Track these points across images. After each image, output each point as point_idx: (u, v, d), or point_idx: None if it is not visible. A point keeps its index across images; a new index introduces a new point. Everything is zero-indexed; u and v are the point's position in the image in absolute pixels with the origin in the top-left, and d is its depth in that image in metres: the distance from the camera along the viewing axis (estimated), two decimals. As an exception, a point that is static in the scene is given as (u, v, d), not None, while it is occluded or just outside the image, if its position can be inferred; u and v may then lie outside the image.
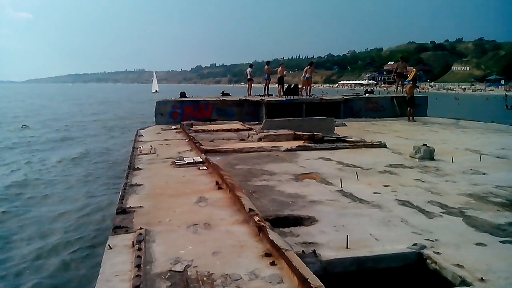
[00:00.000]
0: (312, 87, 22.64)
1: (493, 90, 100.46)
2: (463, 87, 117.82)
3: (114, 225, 4.26)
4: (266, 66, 23.97)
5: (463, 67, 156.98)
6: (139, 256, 3.37)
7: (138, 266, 3.19)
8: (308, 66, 22.56)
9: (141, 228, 4.07)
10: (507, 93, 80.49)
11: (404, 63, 22.39)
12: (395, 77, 22.37)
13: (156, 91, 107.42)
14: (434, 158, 8.09)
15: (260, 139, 10.44)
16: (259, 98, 18.75)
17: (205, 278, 3.05)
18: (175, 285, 2.98)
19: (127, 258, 3.42)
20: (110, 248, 3.65)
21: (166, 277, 3.11)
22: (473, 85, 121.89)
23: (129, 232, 4.05)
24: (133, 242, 3.71)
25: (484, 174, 6.87)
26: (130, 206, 4.93)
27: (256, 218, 4.01)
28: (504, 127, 13.84)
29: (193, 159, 7.77)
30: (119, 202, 5.14)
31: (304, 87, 21.99)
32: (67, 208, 12.59)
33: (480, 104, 62.04)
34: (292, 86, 22.99)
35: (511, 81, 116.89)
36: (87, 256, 9.06)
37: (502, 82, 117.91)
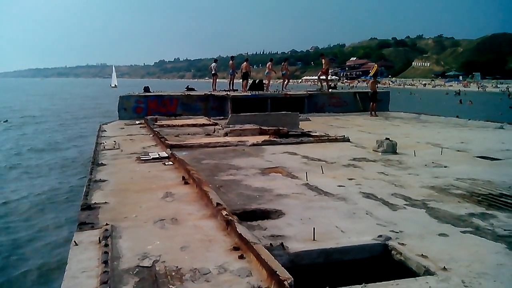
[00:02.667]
0: (273, 83, 22.97)
1: (452, 85, 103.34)
2: (423, 82, 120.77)
3: (79, 221, 4.19)
4: (230, 61, 23.98)
5: (423, 63, 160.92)
6: (106, 252, 3.33)
7: (105, 262, 3.15)
8: (283, 63, 22.83)
9: (107, 224, 4.01)
10: (460, 89, 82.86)
11: (326, 60, 22.46)
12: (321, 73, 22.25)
13: (115, 85, 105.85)
14: (397, 151, 8.27)
15: (226, 134, 10.42)
16: (224, 93, 18.73)
17: (173, 273, 3.03)
18: (143, 280, 2.96)
19: (94, 254, 3.37)
20: (76, 244, 3.59)
21: (134, 272, 3.07)
22: (433, 80, 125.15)
23: (95, 228, 3.99)
24: (99, 238, 3.66)
25: (445, 167, 7.07)
26: (95, 202, 4.85)
27: (224, 212, 4.01)
28: (463, 121, 14.27)
29: (159, 154, 7.70)
30: (84, 198, 5.06)
31: (269, 83, 22.25)
32: (27, 202, 12.30)
33: (441, 99, 63.74)
34: (257, 81, 23.08)
35: (468, 77, 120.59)
36: (52, 253, 8.87)
37: (461, 78, 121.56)
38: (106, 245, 3.48)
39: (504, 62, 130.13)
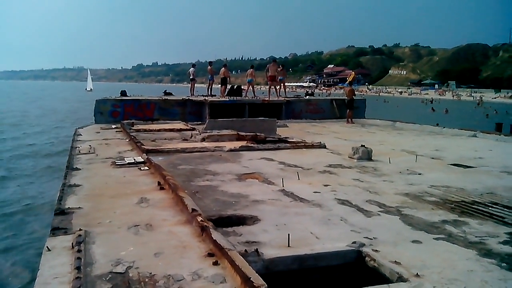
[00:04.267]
0: (258, 89, 22.70)
1: (428, 93, 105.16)
2: (399, 90, 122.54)
3: (53, 226, 4.13)
4: (209, 67, 23.93)
5: (400, 71, 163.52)
6: (79, 258, 3.28)
7: (78, 268, 3.10)
8: (280, 69, 22.80)
9: (80, 230, 3.95)
10: (433, 97, 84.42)
11: (275, 65, 21.77)
12: (267, 80, 21.58)
13: (91, 89, 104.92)
14: (372, 158, 8.36)
15: (203, 139, 10.39)
16: (202, 98, 18.69)
17: (147, 279, 3.00)
18: (117, 286, 2.92)
19: (67, 260, 3.32)
20: (49, 250, 3.53)
21: (107, 278, 3.04)
22: (409, 88, 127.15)
23: (68, 233, 3.93)
24: (72, 243, 3.61)
25: (419, 174, 7.17)
26: (68, 207, 4.78)
27: (199, 218, 3.99)
28: (438, 129, 14.50)
29: (134, 159, 7.63)
30: (57, 203, 4.98)
31: (248, 89, 22.15)
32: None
33: (417, 106, 64.87)
34: (235, 86, 23.09)
35: (444, 85, 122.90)
36: (24, 259, 8.69)
37: (436, 86, 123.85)
38: (79, 251, 3.43)
39: (478, 72, 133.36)
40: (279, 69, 22.36)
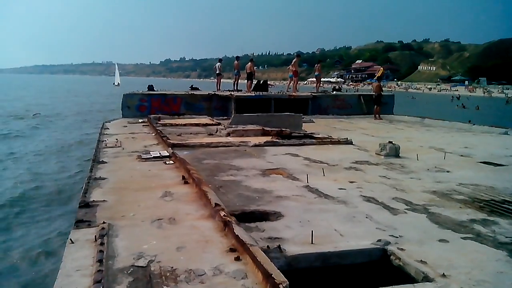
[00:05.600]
0: (280, 84, 22.99)
1: (457, 90, 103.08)
2: (429, 86, 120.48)
3: (77, 219, 4.16)
4: (235, 62, 23.91)
5: (429, 67, 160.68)
6: (101, 251, 3.30)
7: (100, 261, 3.12)
8: (317, 64, 22.80)
9: (104, 223, 3.98)
10: (460, 94, 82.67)
11: (298, 59, 22.23)
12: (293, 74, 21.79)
13: (118, 84, 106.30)
14: (400, 155, 8.21)
15: (228, 134, 10.39)
16: (228, 93, 18.69)
17: (168, 274, 3.00)
18: (137, 280, 2.93)
19: (89, 252, 3.34)
20: (72, 242, 3.56)
21: (129, 272, 3.04)
22: (438, 84, 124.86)
23: (92, 226, 3.96)
24: (95, 236, 3.63)
25: (448, 172, 7.01)
26: (93, 200, 4.82)
27: (222, 213, 3.97)
28: (467, 126, 14.19)
29: (160, 153, 7.67)
30: (82, 195, 5.03)
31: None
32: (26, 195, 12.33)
33: (446, 103, 63.74)
34: (261, 81, 23.03)
35: (474, 82, 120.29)
36: (49, 251, 8.85)
37: (466, 82, 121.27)
38: (101, 244, 3.45)
39: (511, 68, 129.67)
40: (317, 65, 22.64)
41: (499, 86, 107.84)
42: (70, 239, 3.61)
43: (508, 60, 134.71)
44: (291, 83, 22.58)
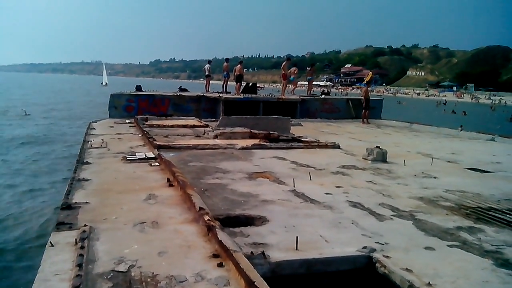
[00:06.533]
0: (288, 87, 22.85)
1: (445, 95, 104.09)
2: (417, 91, 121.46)
3: (58, 221, 4.07)
4: (225, 63, 23.91)
5: (418, 72, 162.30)
6: (81, 255, 3.22)
7: (79, 265, 3.04)
8: (309, 68, 22.78)
9: (85, 225, 3.90)
10: (447, 100, 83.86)
11: (288, 63, 22.03)
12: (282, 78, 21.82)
13: (106, 83, 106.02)
14: (387, 160, 8.20)
15: (216, 136, 10.33)
16: (216, 95, 18.64)
17: (149, 279, 2.93)
18: (117, 286, 2.85)
19: (69, 256, 3.26)
20: (52, 245, 3.47)
21: (108, 277, 2.97)
22: (427, 90, 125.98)
23: (73, 229, 3.87)
24: (76, 239, 3.54)
25: (435, 177, 6.99)
26: (75, 202, 4.72)
27: (206, 217, 3.91)
28: (454, 132, 14.25)
29: (145, 155, 7.58)
30: (65, 197, 4.93)
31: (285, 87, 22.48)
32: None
33: (432, 109, 64.41)
34: (250, 84, 23.02)
35: (462, 88, 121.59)
36: (28, 254, 8.70)
37: (454, 88, 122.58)
38: (82, 247, 3.37)
39: (498, 75, 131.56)
40: (308, 69, 22.65)
41: (487, 93, 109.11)
42: (50, 242, 3.52)
43: (495, 67, 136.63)
44: (292, 87, 22.98)
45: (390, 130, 14.90)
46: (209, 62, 25.24)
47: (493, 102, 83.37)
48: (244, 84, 22.33)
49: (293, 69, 22.64)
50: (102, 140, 9.52)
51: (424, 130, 15.01)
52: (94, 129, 12.01)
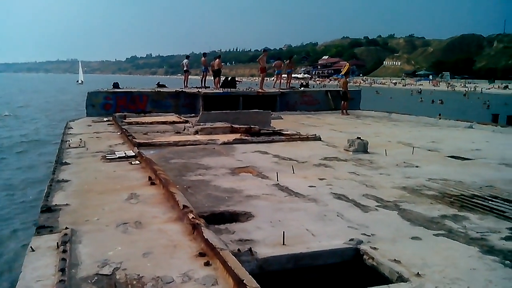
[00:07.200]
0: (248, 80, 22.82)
1: (422, 84, 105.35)
2: (394, 81, 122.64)
3: (38, 224, 3.97)
4: (203, 58, 23.72)
5: (394, 62, 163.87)
6: (63, 259, 3.13)
7: (62, 270, 2.95)
8: (287, 61, 22.72)
9: (66, 228, 3.80)
10: (421, 88, 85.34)
11: (265, 55, 21.87)
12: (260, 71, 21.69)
13: (82, 82, 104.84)
14: (368, 151, 8.22)
15: (196, 132, 10.24)
16: (195, 90, 18.50)
17: (134, 282, 2.86)
18: None
19: (51, 261, 3.17)
20: (33, 250, 3.38)
21: (93, 281, 2.89)
22: (403, 79, 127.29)
23: (54, 232, 3.77)
24: (57, 243, 3.45)
25: (417, 167, 7.03)
26: (55, 204, 4.61)
27: (191, 216, 3.84)
28: (433, 120, 14.39)
29: (125, 153, 7.46)
30: (44, 199, 4.81)
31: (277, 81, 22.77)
32: None
33: (409, 98, 65.27)
34: (229, 78, 22.91)
35: (438, 76, 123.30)
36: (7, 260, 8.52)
37: (430, 77, 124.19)
38: (64, 251, 3.28)
39: (472, 63, 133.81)
40: (286, 61, 22.61)
41: (462, 80, 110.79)
42: (31, 247, 3.42)
43: (469, 55, 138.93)
44: (277, 81, 22.96)
45: (370, 120, 14.98)
46: (187, 57, 25.08)
47: (466, 90, 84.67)
48: (223, 78, 22.21)
49: (277, 62, 22.66)
50: (80, 139, 9.36)
51: (403, 119, 15.13)
52: (72, 128, 11.81)
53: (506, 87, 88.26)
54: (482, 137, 10.57)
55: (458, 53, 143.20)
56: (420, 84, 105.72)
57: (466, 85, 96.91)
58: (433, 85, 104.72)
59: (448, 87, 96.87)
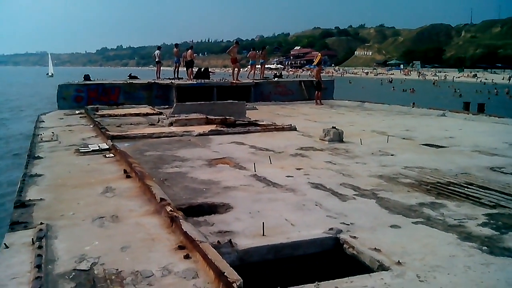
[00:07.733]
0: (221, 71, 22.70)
1: (393, 74, 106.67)
2: (365, 71, 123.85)
3: (12, 220, 3.88)
4: (175, 49, 23.47)
5: (366, 52, 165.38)
6: (39, 255, 3.06)
7: (38, 267, 2.89)
8: (261, 51, 22.62)
9: (41, 223, 3.72)
10: (393, 78, 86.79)
11: (237, 46, 22.09)
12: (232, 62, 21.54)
13: (52, 74, 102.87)
14: (343, 140, 8.28)
15: (171, 124, 10.14)
16: (168, 81, 18.35)
17: (113, 277, 2.81)
18: (80, 285, 2.73)
19: (26, 257, 3.10)
20: (7, 247, 3.30)
21: (70, 277, 2.83)
22: (375, 69, 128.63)
23: (28, 228, 3.69)
24: (32, 239, 3.38)
25: (392, 155, 7.11)
26: (29, 199, 4.52)
27: (168, 208, 3.80)
28: (406, 109, 14.57)
29: (99, 146, 7.33)
30: (17, 194, 4.71)
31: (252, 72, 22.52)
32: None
33: (381, 87, 66.13)
34: (202, 69, 22.74)
35: (409, 65, 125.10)
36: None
37: (402, 66, 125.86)
38: (40, 247, 3.21)
39: (442, 52, 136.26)
40: (260, 52, 22.54)
41: (432, 69, 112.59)
42: (4, 244, 3.34)
43: (439, 44, 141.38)
44: (252, 71, 22.84)
45: (343, 110, 15.09)
46: (159, 48, 24.77)
47: (435, 78, 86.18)
48: (196, 69, 22.04)
49: (252, 53, 22.72)
50: (53, 132, 9.19)
51: (376, 108, 15.28)
52: (44, 121, 11.59)
53: (475, 75, 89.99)
54: (455, 125, 10.75)
55: (427, 43, 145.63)
56: (391, 74, 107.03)
57: (437, 74, 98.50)
58: (405, 74, 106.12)
59: (419, 76, 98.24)
